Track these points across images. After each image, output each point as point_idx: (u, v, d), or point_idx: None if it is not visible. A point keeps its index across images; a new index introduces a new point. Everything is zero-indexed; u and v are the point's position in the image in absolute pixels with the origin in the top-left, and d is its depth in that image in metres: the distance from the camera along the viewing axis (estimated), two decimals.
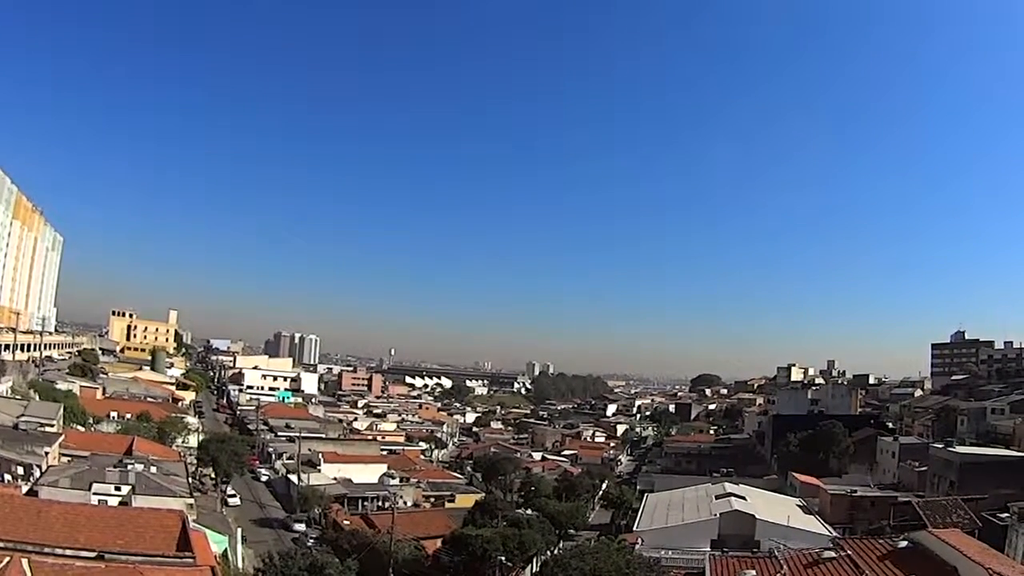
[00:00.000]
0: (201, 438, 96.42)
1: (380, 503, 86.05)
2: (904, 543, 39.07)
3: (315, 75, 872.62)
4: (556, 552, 60.07)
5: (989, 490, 63.79)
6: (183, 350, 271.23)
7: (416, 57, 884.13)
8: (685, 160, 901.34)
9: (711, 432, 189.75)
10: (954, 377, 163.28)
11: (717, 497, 70.89)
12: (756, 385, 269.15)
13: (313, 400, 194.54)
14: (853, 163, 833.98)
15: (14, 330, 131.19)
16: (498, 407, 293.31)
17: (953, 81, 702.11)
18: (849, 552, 39.54)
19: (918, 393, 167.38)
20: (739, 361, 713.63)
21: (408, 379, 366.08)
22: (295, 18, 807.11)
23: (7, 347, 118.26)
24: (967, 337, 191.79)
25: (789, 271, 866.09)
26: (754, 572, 39.15)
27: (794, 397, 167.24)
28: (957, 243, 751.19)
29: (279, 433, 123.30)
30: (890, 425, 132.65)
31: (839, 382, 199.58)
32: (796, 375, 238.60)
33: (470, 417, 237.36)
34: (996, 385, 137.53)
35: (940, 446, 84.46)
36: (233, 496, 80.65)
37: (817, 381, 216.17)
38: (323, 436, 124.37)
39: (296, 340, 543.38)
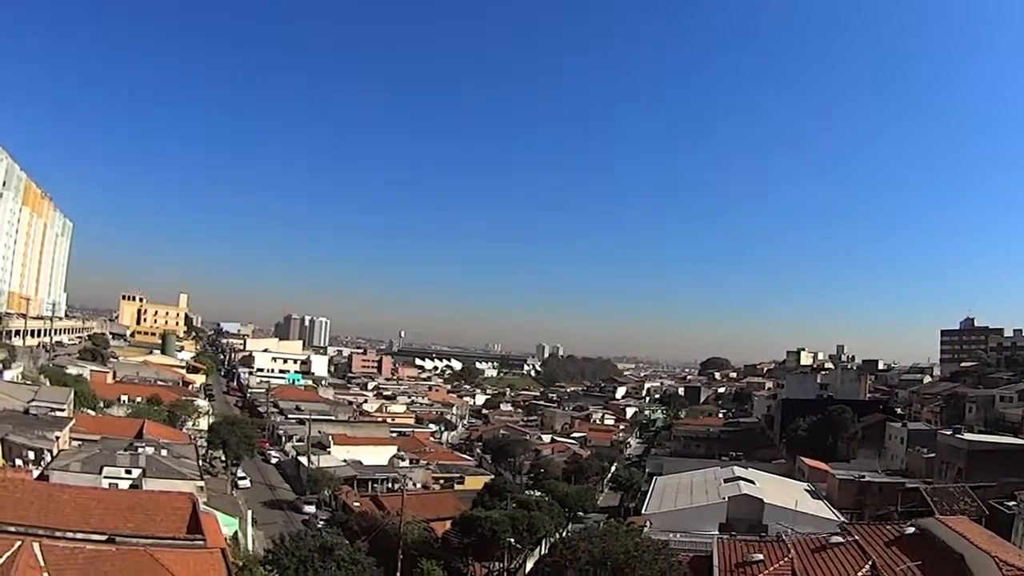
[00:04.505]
0: (211, 421, 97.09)
1: (390, 485, 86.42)
2: (911, 529, 38.93)
3: (314, 58, 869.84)
4: (565, 534, 60.20)
5: (997, 478, 63.66)
6: (193, 333, 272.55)
7: (418, 43, 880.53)
8: (697, 145, 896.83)
9: (720, 415, 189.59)
10: (963, 364, 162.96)
11: (726, 481, 70.94)
12: (765, 369, 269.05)
13: (323, 382, 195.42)
14: (867, 150, 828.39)
15: (24, 316, 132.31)
16: (508, 389, 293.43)
17: (968, 70, 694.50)
18: (856, 537, 39.48)
19: (927, 379, 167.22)
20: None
21: (418, 361, 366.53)
22: (292, 3, 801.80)
23: (18, 333, 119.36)
24: (976, 324, 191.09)
25: (799, 256, 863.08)
26: (762, 556, 39.09)
27: (803, 381, 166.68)
28: (969, 231, 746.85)
29: (289, 415, 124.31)
30: (899, 411, 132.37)
31: (848, 367, 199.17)
32: (805, 359, 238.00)
33: (480, 399, 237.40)
34: (1005, 373, 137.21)
35: (948, 433, 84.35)
36: (243, 478, 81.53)
37: (826, 366, 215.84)
38: (333, 418, 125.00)
39: (306, 323, 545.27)
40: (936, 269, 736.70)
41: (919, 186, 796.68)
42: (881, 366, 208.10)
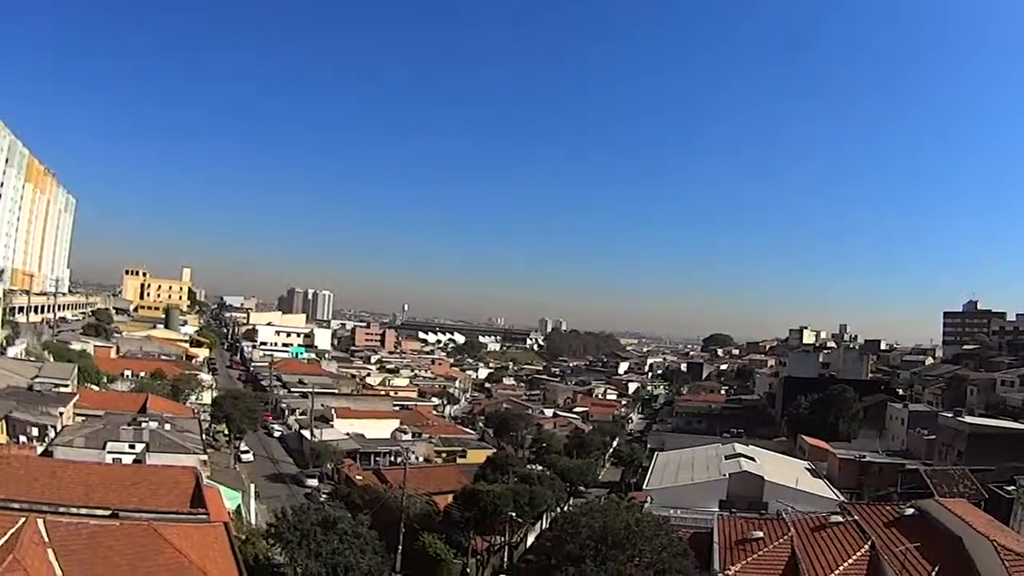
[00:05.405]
0: (215, 395, 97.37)
1: (392, 458, 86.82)
2: (910, 511, 39.07)
3: (315, 32, 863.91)
4: (566, 509, 60.59)
5: (997, 462, 63.65)
6: (196, 307, 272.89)
7: (426, 15, 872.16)
8: (705, 124, 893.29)
9: (722, 392, 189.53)
10: (965, 347, 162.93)
11: (727, 457, 70.93)
12: (768, 347, 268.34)
13: (326, 356, 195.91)
14: (873, 131, 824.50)
15: (28, 292, 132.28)
16: (510, 363, 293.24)
17: (975, 54, 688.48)
18: (856, 517, 39.62)
19: (929, 361, 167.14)
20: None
21: (421, 335, 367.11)
22: None
23: (21, 309, 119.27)
24: (979, 307, 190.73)
25: (805, 235, 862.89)
26: (761, 533, 39.31)
27: (805, 360, 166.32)
28: (974, 214, 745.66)
29: (292, 389, 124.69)
30: (900, 392, 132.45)
31: (851, 346, 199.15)
32: (808, 338, 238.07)
33: (483, 373, 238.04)
34: (1007, 357, 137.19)
35: (949, 415, 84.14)
36: (246, 452, 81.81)
37: (829, 345, 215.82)
38: (336, 392, 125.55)
39: (310, 296, 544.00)
40: (940, 251, 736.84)
41: (924, 171, 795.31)
42: (883, 346, 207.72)
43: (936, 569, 30.88)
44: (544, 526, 64.15)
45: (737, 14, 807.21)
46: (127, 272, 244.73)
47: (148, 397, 75.00)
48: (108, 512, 30.99)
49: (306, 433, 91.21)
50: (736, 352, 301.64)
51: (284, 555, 41.33)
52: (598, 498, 65.36)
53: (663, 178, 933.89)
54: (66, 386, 69.00)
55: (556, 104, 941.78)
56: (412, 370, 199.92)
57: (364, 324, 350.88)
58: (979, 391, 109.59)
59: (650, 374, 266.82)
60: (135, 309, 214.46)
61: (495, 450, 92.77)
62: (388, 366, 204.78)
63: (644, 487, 67.60)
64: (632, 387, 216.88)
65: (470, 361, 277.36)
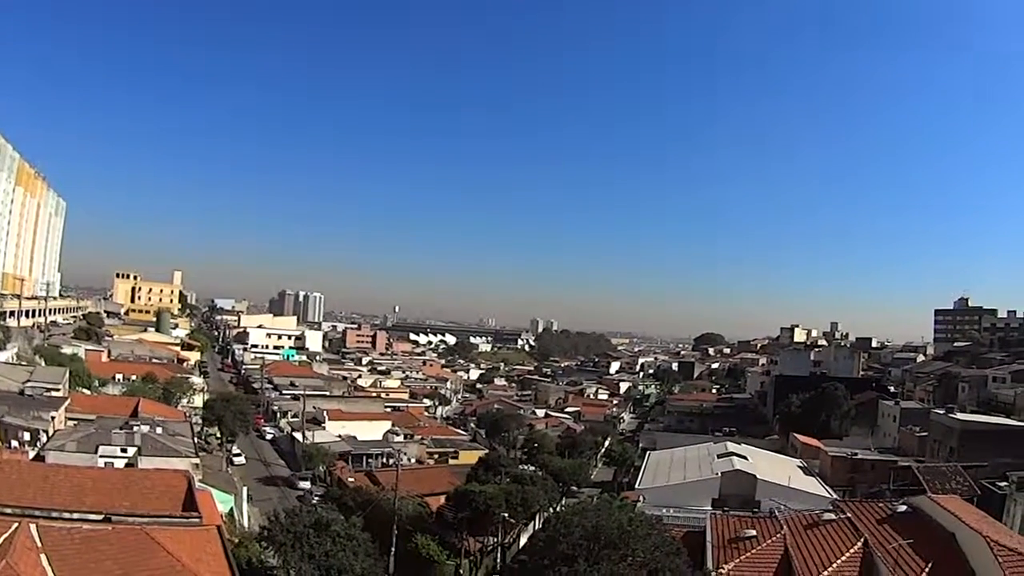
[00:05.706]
0: (206, 398, 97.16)
1: (384, 460, 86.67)
2: (903, 508, 39.38)
3: (313, 28, 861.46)
4: (558, 509, 60.56)
5: (989, 458, 64.04)
6: (188, 311, 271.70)
7: (425, 15, 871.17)
8: (695, 121, 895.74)
9: (713, 391, 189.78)
10: (956, 344, 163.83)
11: (719, 456, 71.13)
12: (759, 345, 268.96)
13: (318, 358, 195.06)
14: (862, 129, 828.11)
15: (19, 296, 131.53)
16: (502, 364, 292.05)
17: (966, 49, 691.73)
18: (849, 515, 39.93)
19: (920, 358, 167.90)
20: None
21: (412, 336, 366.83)
22: None
23: (12, 314, 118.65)
24: (970, 304, 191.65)
25: (797, 234, 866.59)
26: (754, 532, 39.55)
27: (797, 358, 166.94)
28: (965, 212, 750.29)
29: (284, 391, 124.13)
30: (892, 389, 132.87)
31: (842, 344, 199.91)
32: (799, 336, 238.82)
33: (474, 374, 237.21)
34: (998, 354, 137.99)
35: (941, 412, 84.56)
36: (238, 455, 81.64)
37: (820, 343, 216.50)
38: (328, 394, 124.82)
39: (300, 298, 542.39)
40: (932, 248, 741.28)
41: (918, 170, 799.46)
42: (875, 344, 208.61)
43: (929, 566, 31.10)
44: (537, 526, 63.95)
45: (726, 11, 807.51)
46: (118, 275, 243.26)
47: (140, 401, 74.74)
48: (100, 516, 30.83)
49: (298, 435, 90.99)
50: (727, 351, 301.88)
51: (277, 558, 41.23)
52: (590, 498, 65.31)
53: (659, 178, 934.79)
54: (57, 390, 68.82)
55: (553, 104, 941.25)
56: (403, 371, 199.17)
57: (355, 326, 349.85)
58: (971, 388, 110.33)
59: (641, 373, 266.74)
60: (126, 312, 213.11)
61: (487, 451, 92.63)
62: (379, 367, 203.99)
63: (636, 486, 67.74)
64: (623, 387, 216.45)
65: (461, 362, 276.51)
